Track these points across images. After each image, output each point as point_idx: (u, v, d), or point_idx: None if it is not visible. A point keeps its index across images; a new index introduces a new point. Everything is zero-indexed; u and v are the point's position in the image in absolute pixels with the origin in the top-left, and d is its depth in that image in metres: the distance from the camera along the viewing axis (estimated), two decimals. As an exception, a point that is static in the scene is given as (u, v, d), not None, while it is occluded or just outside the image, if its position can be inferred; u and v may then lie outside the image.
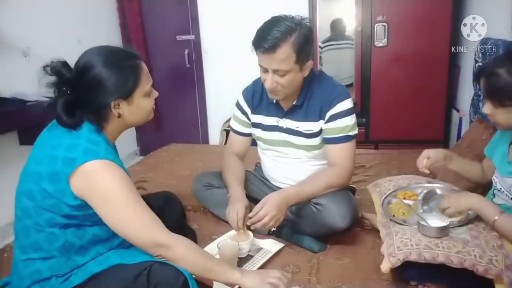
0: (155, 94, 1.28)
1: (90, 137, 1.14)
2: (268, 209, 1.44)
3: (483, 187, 1.63)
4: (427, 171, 1.53)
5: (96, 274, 1.15)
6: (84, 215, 1.14)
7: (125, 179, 1.14)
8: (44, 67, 1.13)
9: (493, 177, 1.45)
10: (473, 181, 1.61)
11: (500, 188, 1.40)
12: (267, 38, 1.43)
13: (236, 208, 1.52)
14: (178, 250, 1.16)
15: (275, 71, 1.48)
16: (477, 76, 1.37)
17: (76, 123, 1.15)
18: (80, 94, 1.15)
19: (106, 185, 1.10)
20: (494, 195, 1.45)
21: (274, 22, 1.47)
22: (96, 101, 1.15)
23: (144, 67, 1.24)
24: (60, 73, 1.13)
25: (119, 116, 1.19)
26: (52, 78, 1.13)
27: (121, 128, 1.24)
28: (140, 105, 1.21)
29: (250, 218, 1.48)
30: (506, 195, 1.38)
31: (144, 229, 1.14)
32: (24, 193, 1.15)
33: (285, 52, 1.44)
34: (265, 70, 1.51)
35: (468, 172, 1.60)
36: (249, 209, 1.55)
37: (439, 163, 1.54)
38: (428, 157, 1.53)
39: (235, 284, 1.23)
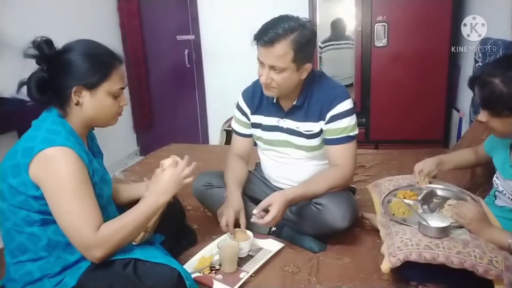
0: (124, 101, 1.27)
1: (50, 128, 1.15)
2: (275, 211, 1.44)
3: (483, 184, 1.63)
4: (426, 183, 1.55)
5: (86, 273, 1.15)
6: None
7: (77, 170, 1.12)
8: (32, 42, 1.16)
9: (494, 178, 1.44)
10: (469, 167, 1.67)
11: (502, 190, 1.40)
12: (268, 32, 1.45)
13: (225, 214, 1.53)
14: (108, 244, 1.14)
15: (271, 67, 1.49)
16: (471, 84, 1.34)
17: (44, 101, 1.19)
18: (53, 73, 1.18)
19: (55, 172, 1.10)
20: (495, 196, 1.45)
21: (279, 19, 1.49)
22: (61, 83, 1.17)
23: (121, 70, 1.25)
24: (40, 47, 1.16)
25: (78, 103, 1.19)
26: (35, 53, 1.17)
27: (82, 120, 1.22)
28: (101, 102, 1.21)
29: (253, 214, 1.48)
30: (508, 197, 1.37)
31: (74, 229, 1.12)
32: None
33: (283, 48, 1.44)
34: (262, 65, 1.52)
35: (464, 162, 1.63)
36: (243, 210, 1.56)
37: (433, 172, 1.56)
38: (419, 170, 1.55)
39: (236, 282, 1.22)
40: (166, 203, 1.26)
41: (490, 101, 1.26)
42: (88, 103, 1.20)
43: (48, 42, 1.17)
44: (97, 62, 1.19)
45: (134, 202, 1.37)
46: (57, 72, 1.17)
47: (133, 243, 1.29)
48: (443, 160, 1.59)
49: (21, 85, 1.18)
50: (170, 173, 1.26)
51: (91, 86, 1.18)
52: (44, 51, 1.16)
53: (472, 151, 1.63)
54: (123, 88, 1.25)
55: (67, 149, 1.11)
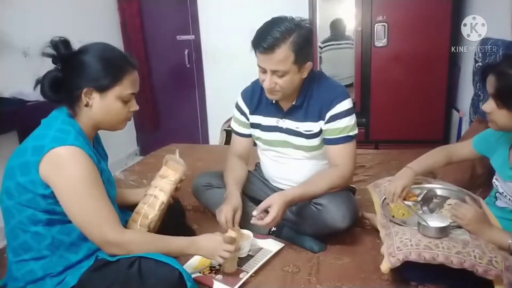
0: (134, 106, 1.29)
1: (60, 127, 1.16)
2: (275, 211, 1.45)
3: (483, 184, 1.62)
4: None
5: (87, 272, 1.16)
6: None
7: (89, 169, 1.14)
8: (50, 41, 1.18)
9: (494, 180, 1.44)
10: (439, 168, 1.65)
11: (503, 192, 1.39)
12: (266, 38, 1.43)
13: (224, 211, 1.53)
14: (129, 248, 1.18)
15: (273, 72, 1.48)
16: (484, 73, 1.31)
17: (56, 100, 1.20)
18: (67, 73, 1.19)
19: (68, 173, 1.11)
20: (496, 197, 1.45)
21: (274, 22, 1.47)
22: (73, 83, 1.18)
23: (134, 75, 1.26)
24: (57, 47, 1.18)
25: (87, 105, 1.20)
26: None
27: (90, 121, 1.23)
28: (110, 106, 1.22)
29: (253, 216, 1.49)
30: (509, 199, 1.37)
31: (96, 226, 1.15)
32: (4, 192, 1.17)
33: (284, 52, 1.44)
34: (263, 71, 1.51)
35: (436, 164, 1.58)
36: (240, 209, 1.56)
37: (406, 189, 1.51)
38: (393, 195, 1.50)
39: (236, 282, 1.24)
40: (190, 254, 1.35)
41: (505, 92, 1.24)
42: (97, 105, 1.21)
43: (65, 42, 1.19)
44: (109, 66, 1.20)
45: (134, 205, 1.40)
46: (71, 72, 1.19)
47: None
48: (415, 170, 1.54)
49: (37, 83, 1.19)
50: (218, 245, 1.29)
51: (102, 89, 1.19)
52: (60, 51, 1.18)
53: (444, 153, 1.58)
54: (134, 94, 1.26)
55: (78, 149, 1.12)
